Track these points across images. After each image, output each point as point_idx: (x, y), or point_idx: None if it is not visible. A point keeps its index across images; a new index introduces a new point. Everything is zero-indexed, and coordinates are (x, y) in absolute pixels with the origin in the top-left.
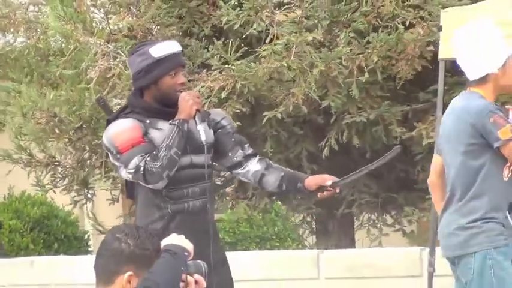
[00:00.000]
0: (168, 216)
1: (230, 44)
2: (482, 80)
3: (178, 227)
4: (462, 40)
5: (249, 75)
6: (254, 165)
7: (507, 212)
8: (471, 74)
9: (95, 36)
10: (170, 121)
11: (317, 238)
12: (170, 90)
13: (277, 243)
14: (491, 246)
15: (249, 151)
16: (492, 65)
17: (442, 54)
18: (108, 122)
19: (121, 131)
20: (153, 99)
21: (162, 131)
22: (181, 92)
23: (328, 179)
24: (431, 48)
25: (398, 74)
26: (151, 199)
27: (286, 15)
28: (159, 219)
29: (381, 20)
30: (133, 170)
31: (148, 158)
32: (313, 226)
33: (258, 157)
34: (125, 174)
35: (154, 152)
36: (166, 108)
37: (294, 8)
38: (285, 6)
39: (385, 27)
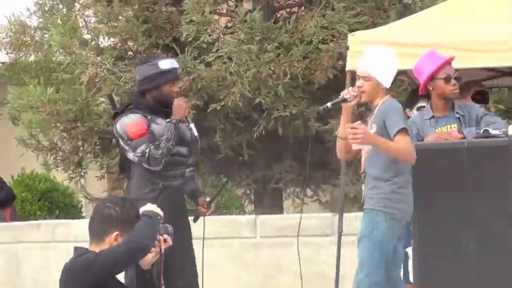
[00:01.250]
0: (158, 190)
1: (187, 51)
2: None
3: (166, 199)
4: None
5: (202, 75)
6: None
7: None
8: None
9: (88, 49)
10: (168, 119)
11: (255, 206)
12: (168, 96)
13: (225, 211)
14: None
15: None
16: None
17: (348, 67)
18: (116, 115)
19: (132, 122)
20: (153, 100)
21: (160, 126)
22: (176, 98)
23: (204, 202)
24: (340, 62)
25: (316, 80)
26: (146, 176)
27: (232, 34)
28: (151, 192)
29: (301, 37)
30: (140, 155)
31: (152, 147)
32: (252, 197)
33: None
34: (132, 156)
35: (157, 142)
36: (164, 108)
37: (236, 28)
38: (231, 30)
39: (308, 43)
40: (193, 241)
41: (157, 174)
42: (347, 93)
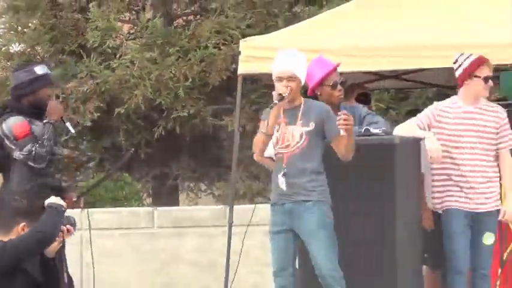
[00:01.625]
0: (37, 187)
1: (92, 57)
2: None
3: (45, 196)
4: (292, 58)
5: (107, 80)
6: None
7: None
8: None
9: None
10: (45, 121)
11: (153, 199)
12: (43, 99)
13: (125, 203)
14: None
15: None
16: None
17: (240, 70)
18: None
19: (17, 123)
20: (28, 104)
21: (38, 127)
22: (50, 100)
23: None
24: (233, 65)
25: (210, 81)
26: (27, 174)
27: (134, 40)
28: (32, 188)
29: (198, 42)
30: (27, 153)
31: (38, 145)
32: (150, 191)
33: None
34: (18, 154)
35: (40, 141)
36: (39, 110)
37: (138, 34)
38: (133, 36)
39: (205, 48)
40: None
41: (36, 172)
42: (284, 91)
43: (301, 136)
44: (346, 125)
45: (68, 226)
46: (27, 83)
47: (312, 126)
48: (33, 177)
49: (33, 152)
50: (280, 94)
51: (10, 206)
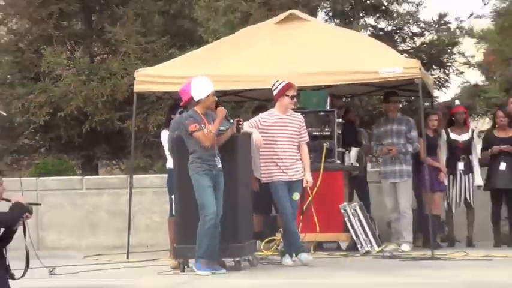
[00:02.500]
0: None
1: (45, 79)
2: (198, 102)
3: None
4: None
5: (54, 94)
6: None
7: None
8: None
9: None
10: None
11: (82, 171)
12: None
13: (64, 174)
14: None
15: None
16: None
17: (135, 89)
18: None
19: None
20: None
21: None
22: None
23: None
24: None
25: (118, 97)
26: None
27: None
28: None
29: (110, 73)
30: None
31: None
32: (80, 166)
33: None
34: None
35: None
36: None
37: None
38: (69, 66)
39: (115, 75)
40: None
41: None
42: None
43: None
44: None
45: (27, 214)
46: None
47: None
48: None
49: None
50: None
51: None
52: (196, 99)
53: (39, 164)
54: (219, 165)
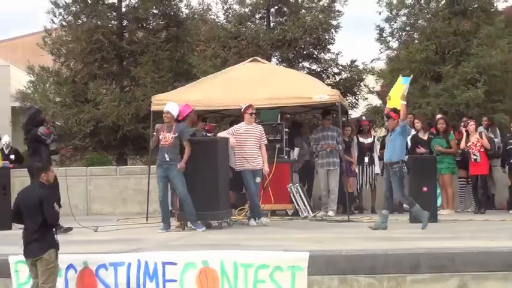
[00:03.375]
0: None
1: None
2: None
3: None
4: (171, 106)
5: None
6: None
7: None
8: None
9: (50, 102)
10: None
11: (116, 163)
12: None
13: (104, 165)
14: None
15: None
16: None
17: (152, 109)
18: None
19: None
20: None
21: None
22: None
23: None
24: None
25: (141, 114)
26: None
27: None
28: None
29: (135, 100)
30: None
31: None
32: (115, 159)
33: None
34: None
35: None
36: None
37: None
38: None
39: (139, 101)
40: (91, 177)
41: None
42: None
43: (172, 138)
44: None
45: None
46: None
47: (176, 134)
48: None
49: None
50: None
51: None
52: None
53: (88, 158)
54: (167, 159)
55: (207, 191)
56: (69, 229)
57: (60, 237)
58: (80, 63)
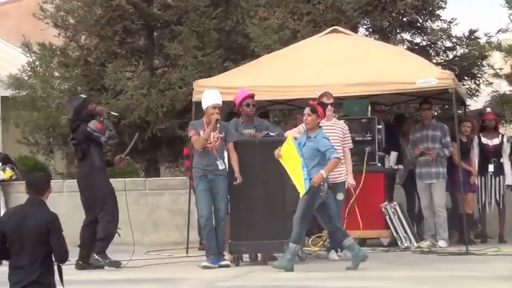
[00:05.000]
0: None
1: (108, 93)
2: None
3: None
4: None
5: (117, 106)
6: None
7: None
8: None
9: (55, 90)
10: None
11: (145, 173)
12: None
13: (129, 176)
14: None
15: None
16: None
17: (194, 99)
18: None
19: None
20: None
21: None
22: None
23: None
24: (190, 97)
25: (177, 107)
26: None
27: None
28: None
29: (169, 84)
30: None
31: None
32: (143, 168)
33: None
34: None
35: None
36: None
37: (134, 79)
38: (131, 80)
39: (173, 88)
40: None
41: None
42: (217, 117)
43: (219, 138)
44: None
45: None
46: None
47: (222, 133)
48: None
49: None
50: (217, 120)
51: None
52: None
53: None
54: (221, 167)
55: (270, 211)
56: (118, 263)
57: (69, 277)
58: (94, 38)
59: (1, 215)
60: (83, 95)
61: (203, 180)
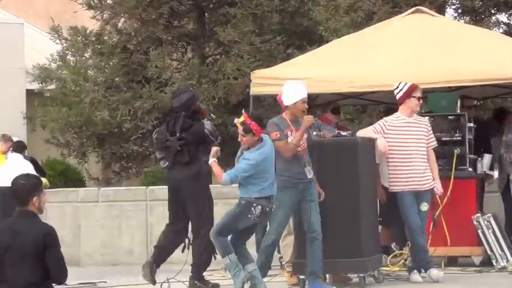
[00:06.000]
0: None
1: (151, 85)
2: (285, 108)
3: None
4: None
5: (162, 100)
6: None
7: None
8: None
9: (89, 83)
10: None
11: None
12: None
13: None
14: None
15: None
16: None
17: (251, 92)
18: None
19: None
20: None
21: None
22: None
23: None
24: (247, 90)
25: (231, 100)
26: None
27: (180, 73)
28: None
29: (223, 75)
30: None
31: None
32: None
33: None
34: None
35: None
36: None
37: (182, 69)
38: (179, 70)
39: (227, 79)
40: None
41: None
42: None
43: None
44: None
45: None
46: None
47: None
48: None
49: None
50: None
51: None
52: (285, 104)
53: (149, 172)
54: (310, 176)
55: (342, 226)
56: (217, 286)
57: None
58: (135, 21)
59: None
60: (188, 89)
61: (294, 191)
